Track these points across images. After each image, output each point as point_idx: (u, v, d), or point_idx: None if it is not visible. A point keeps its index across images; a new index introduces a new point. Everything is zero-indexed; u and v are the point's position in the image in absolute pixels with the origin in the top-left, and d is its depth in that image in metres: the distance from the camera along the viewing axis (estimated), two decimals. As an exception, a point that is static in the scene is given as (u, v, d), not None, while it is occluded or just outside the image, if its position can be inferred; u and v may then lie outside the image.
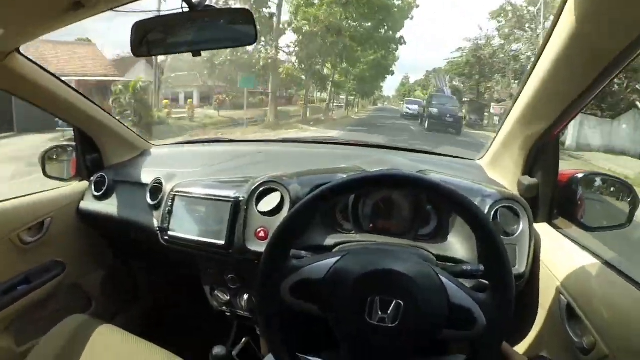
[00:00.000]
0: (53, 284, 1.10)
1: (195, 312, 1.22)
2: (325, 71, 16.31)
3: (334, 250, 0.71)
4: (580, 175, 0.83)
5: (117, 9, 0.70)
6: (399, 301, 0.50)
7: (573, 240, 0.78)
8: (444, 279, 0.53)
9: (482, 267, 0.59)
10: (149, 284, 1.48)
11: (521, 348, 0.82)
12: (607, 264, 0.68)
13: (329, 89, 17.34)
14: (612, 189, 0.88)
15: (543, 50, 0.66)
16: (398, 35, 16.32)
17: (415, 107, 19.73)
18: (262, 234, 0.80)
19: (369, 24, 15.20)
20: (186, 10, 0.64)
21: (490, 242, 0.53)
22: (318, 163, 0.99)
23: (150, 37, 0.68)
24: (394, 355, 0.54)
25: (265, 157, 1.23)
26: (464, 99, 19.67)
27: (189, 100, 15.52)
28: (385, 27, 15.77)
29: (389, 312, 0.50)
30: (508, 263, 0.53)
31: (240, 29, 0.65)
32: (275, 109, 13.76)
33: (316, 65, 15.11)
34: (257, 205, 0.83)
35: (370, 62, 18.22)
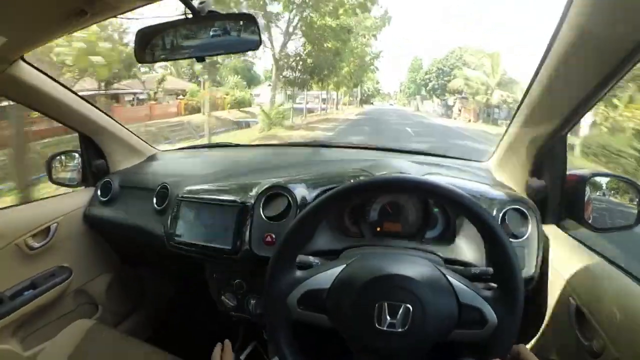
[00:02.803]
0: (59, 289, 1.10)
1: (201, 317, 1.22)
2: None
3: (340, 256, 0.70)
4: (587, 176, 0.82)
5: (120, 16, 0.71)
6: (407, 305, 0.50)
7: (581, 242, 0.77)
8: (452, 279, 0.54)
9: (490, 270, 0.59)
10: (155, 289, 1.48)
11: (530, 351, 0.81)
12: (615, 265, 0.67)
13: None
14: (620, 188, 0.87)
15: (549, 50, 0.65)
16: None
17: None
18: (269, 239, 0.80)
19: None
20: (190, 16, 0.64)
21: (498, 246, 0.53)
22: (324, 167, 0.99)
23: (154, 44, 0.68)
24: (407, 359, 0.53)
25: (272, 162, 1.23)
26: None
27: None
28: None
29: (397, 317, 0.50)
30: (517, 266, 0.53)
31: (244, 34, 0.65)
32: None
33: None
34: (263, 210, 0.82)
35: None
